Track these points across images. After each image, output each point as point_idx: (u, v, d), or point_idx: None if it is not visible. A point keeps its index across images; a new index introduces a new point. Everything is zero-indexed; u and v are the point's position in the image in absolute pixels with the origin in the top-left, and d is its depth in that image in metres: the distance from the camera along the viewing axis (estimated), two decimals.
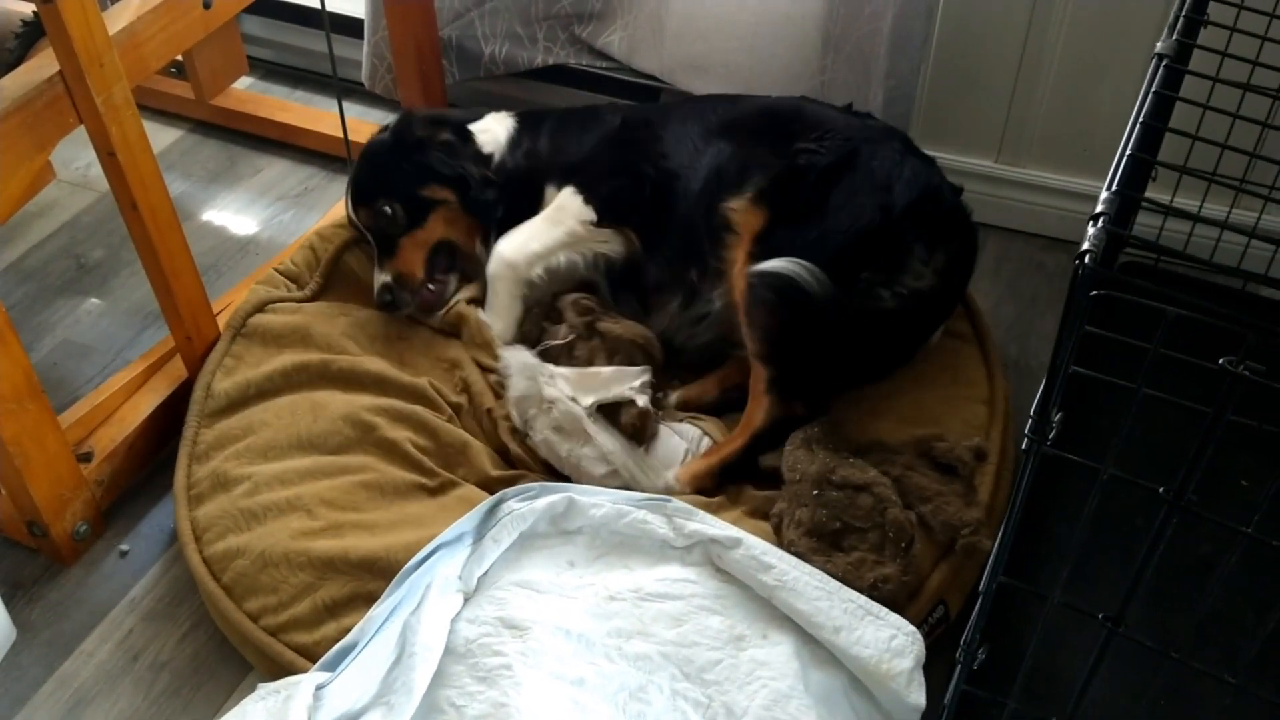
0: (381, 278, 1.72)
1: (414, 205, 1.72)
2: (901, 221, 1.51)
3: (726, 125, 1.70)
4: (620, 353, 1.63)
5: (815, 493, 1.36)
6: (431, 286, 1.73)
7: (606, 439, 1.53)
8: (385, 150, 1.77)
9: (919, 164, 1.60)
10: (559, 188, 1.73)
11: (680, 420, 1.61)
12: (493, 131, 1.81)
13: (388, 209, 1.72)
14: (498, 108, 1.88)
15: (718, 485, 1.51)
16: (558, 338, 1.65)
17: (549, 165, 1.76)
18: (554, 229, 1.68)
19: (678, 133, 1.72)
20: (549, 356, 1.64)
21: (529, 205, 1.74)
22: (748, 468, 1.50)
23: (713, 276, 1.62)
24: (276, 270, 1.76)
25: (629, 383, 1.57)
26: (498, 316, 1.69)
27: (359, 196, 1.76)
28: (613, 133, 1.76)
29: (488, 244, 1.75)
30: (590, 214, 1.68)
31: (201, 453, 1.55)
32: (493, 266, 1.68)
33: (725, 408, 1.65)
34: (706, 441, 1.58)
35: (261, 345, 1.65)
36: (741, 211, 1.57)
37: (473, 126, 1.81)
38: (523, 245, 1.68)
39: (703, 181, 1.65)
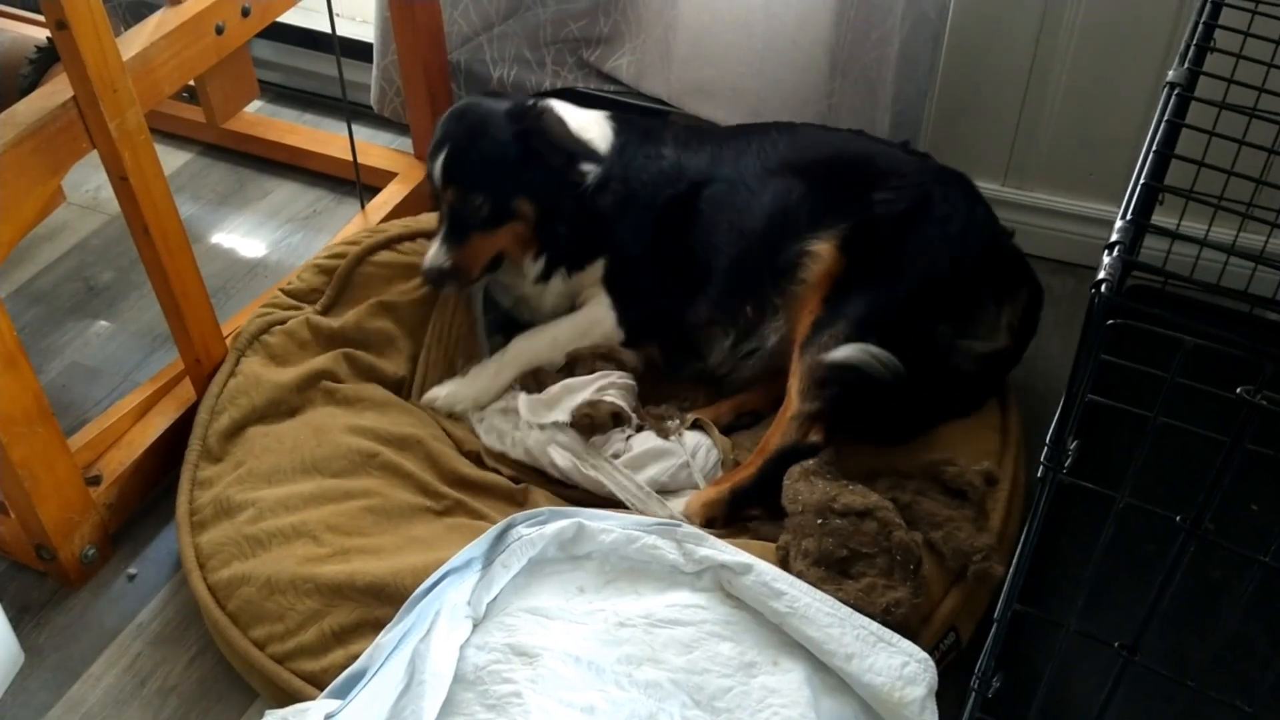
0: (440, 259, 1.66)
1: (501, 209, 1.66)
2: (972, 273, 1.56)
3: (790, 164, 1.68)
4: (581, 365, 1.65)
5: (820, 521, 1.35)
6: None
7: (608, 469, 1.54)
8: (503, 139, 1.65)
9: (982, 212, 1.63)
10: (605, 269, 1.72)
11: (687, 428, 1.61)
12: (596, 151, 1.72)
13: (479, 202, 1.65)
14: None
15: (729, 515, 1.50)
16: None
17: (609, 231, 1.71)
18: (579, 340, 1.69)
19: (731, 179, 1.69)
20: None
21: (585, 258, 1.73)
22: (761, 496, 1.48)
23: (771, 313, 1.62)
24: (282, 290, 1.76)
25: (582, 392, 1.59)
26: (478, 382, 1.67)
27: (456, 172, 1.65)
28: (668, 209, 1.70)
29: (538, 259, 1.72)
30: (620, 335, 1.70)
31: (205, 479, 1.54)
32: (506, 356, 1.68)
33: (735, 429, 1.65)
34: (714, 452, 1.58)
35: (265, 370, 1.65)
36: (822, 257, 1.57)
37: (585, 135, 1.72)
38: (535, 352, 1.68)
39: (765, 220, 1.63)
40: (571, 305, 1.77)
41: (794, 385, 1.50)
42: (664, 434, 1.59)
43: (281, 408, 1.61)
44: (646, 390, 1.69)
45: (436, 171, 1.67)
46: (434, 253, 1.67)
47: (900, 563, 1.33)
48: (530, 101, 1.70)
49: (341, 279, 1.76)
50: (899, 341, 1.49)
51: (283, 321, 1.70)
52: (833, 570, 1.34)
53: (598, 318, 1.71)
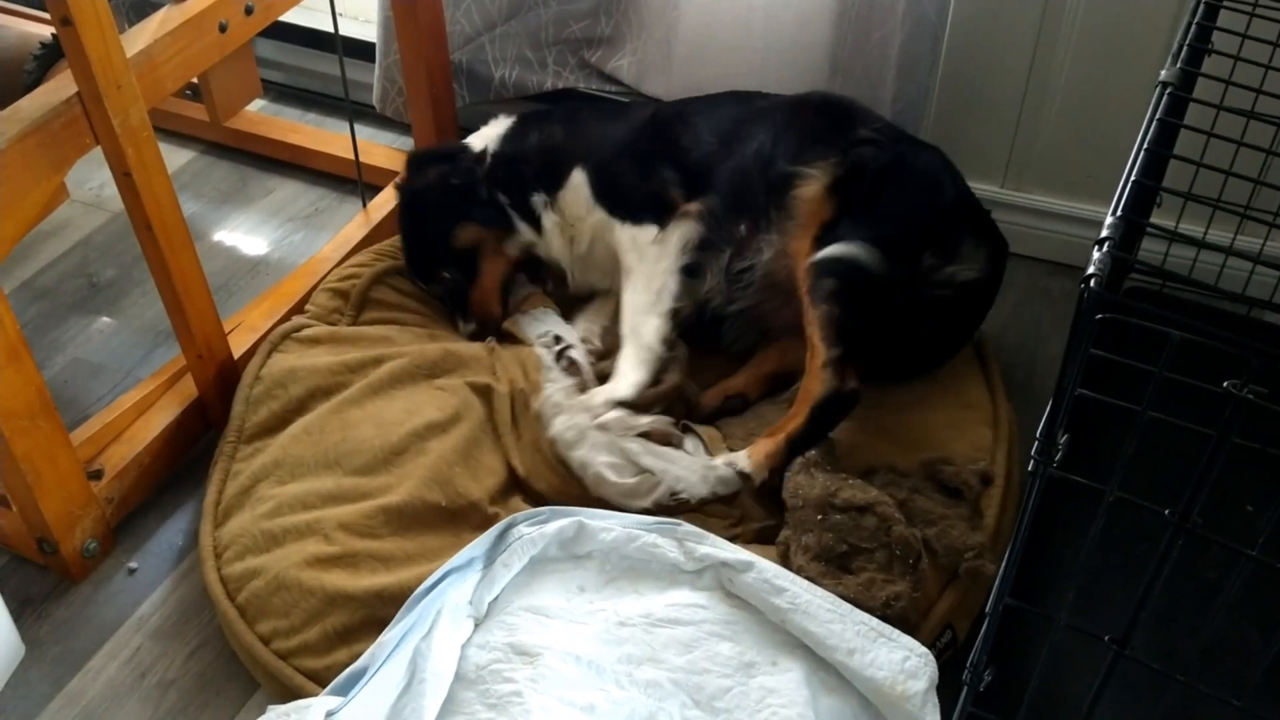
0: (467, 329, 1.80)
1: (462, 258, 1.80)
2: (952, 212, 1.62)
3: (775, 106, 1.76)
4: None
5: (819, 517, 1.36)
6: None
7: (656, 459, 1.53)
8: (412, 222, 1.84)
9: (956, 171, 1.70)
10: (589, 181, 1.75)
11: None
12: (484, 133, 1.87)
13: (447, 275, 1.80)
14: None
15: (787, 462, 1.47)
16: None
17: (569, 149, 1.79)
18: (637, 273, 1.69)
19: (719, 113, 1.77)
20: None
21: (547, 183, 1.78)
22: (813, 442, 1.47)
23: (764, 229, 1.65)
24: (299, 318, 1.77)
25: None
26: (624, 378, 1.61)
27: (419, 272, 1.83)
28: (641, 128, 1.79)
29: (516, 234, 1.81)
30: (649, 231, 1.70)
31: (237, 470, 1.55)
32: (627, 345, 1.65)
33: (723, 414, 1.66)
34: (702, 445, 1.57)
35: (299, 361, 1.66)
36: (811, 200, 1.60)
37: (466, 140, 1.87)
38: (633, 317, 1.66)
39: (756, 143, 1.69)
40: (573, 237, 1.81)
41: (814, 333, 1.51)
42: (667, 439, 1.58)
43: (317, 394, 1.62)
44: None
45: (419, 281, 1.85)
46: (463, 329, 1.80)
47: (900, 557, 1.34)
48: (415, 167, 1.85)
49: (360, 298, 1.78)
50: (891, 266, 1.51)
51: (312, 325, 1.73)
52: (832, 565, 1.34)
53: (625, 244, 1.72)
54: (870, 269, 1.50)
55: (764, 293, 1.66)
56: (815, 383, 1.48)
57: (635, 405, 1.57)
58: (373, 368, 1.66)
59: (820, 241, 1.55)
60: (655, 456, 1.52)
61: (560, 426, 1.54)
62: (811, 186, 1.61)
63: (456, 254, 1.79)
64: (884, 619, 1.30)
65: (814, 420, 1.47)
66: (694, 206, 1.69)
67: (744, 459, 1.49)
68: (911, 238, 1.56)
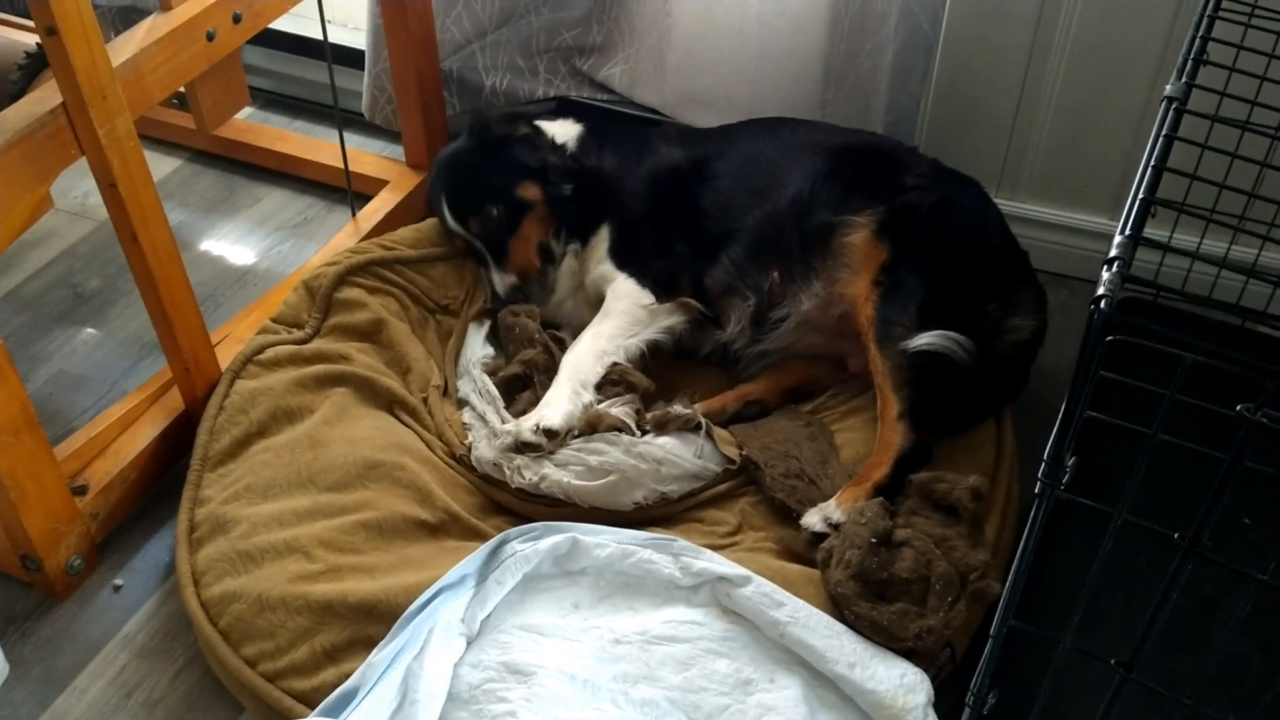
0: (507, 279, 1.79)
1: (512, 206, 1.79)
2: (1000, 257, 1.65)
3: (812, 145, 1.75)
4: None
5: (873, 541, 1.35)
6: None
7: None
8: (472, 155, 1.83)
9: (995, 209, 1.74)
10: (610, 238, 1.77)
11: (690, 427, 1.59)
12: (563, 126, 1.87)
13: (494, 210, 1.78)
14: None
15: None
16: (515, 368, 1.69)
17: (606, 202, 1.80)
18: (616, 323, 1.70)
19: (747, 153, 1.77)
20: (511, 387, 1.68)
21: (590, 225, 1.80)
22: (896, 491, 1.48)
23: (803, 280, 1.65)
24: (272, 320, 1.74)
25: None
26: (556, 408, 1.58)
27: (462, 207, 1.81)
28: (666, 179, 1.79)
29: (559, 238, 1.81)
30: (648, 298, 1.72)
31: (205, 497, 1.53)
32: (562, 377, 1.63)
33: (740, 420, 1.65)
34: (708, 447, 1.56)
35: (259, 384, 1.64)
36: (863, 244, 1.62)
37: (540, 123, 1.87)
38: (583, 356, 1.66)
39: (793, 188, 1.69)
40: (581, 286, 1.81)
41: (885, 384, 1.53)
42: (690, 423, 1.57)
43: (279, 416, 1.60)
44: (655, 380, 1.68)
45: (452, 221, 1.83)
46: (498, 282, 1.79)
47: (939, 592, 1.33)
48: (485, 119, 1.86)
49: (324, 300, 1.75)
50: (959, 320, 1.53)
51: (277, 345, 1.69)
52: (869, 589, 1.34)
53: (621, 293, 1.74)
54: (960, 361, 1.52)
55: (796, 335, 1.67)
56: (893, 434, 1.50)
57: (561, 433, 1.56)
58: (331, 386, 1.64)
59: (880, 285, 1.57)
60: (613, 448, 1.52)
61: (524, 479, 1.53)
62: (860, 233, 1.62)
63: (509, 198, 1.78)
64: (912, 651, 1.30)
65: (897, 471, 1.48)
66: (694, 303, 1.71)
67: (836, 510, 1.46)
68: (970, 278, 1.58)
